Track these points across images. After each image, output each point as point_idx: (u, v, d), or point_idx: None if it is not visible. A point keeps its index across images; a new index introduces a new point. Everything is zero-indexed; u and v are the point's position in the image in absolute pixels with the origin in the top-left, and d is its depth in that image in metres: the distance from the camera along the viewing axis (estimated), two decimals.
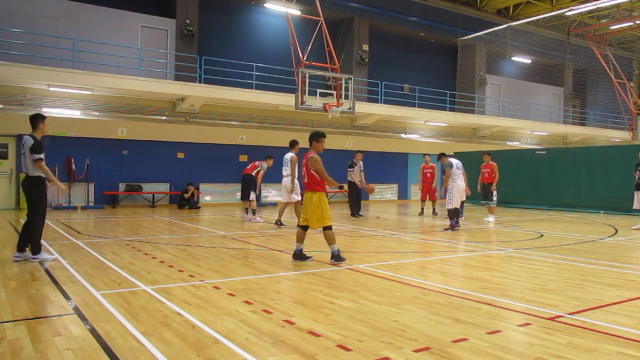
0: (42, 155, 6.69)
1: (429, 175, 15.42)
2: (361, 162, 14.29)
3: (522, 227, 12.10)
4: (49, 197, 16.10)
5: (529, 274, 6.29)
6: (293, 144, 11.03)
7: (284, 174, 11.45)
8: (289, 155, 11.04)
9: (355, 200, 14.38)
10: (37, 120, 6.92)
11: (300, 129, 20.51)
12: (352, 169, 14.29)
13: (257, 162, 12.94)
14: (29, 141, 6.71)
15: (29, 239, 6.82)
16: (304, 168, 6.99)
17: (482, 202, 13.80)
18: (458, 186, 11.34)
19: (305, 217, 6.96)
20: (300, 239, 7.00)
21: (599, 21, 27.75)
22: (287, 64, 16.93)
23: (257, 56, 20.33)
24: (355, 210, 14.27)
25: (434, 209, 15.53)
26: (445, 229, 11.08)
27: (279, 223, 11.65)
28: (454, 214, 11.18)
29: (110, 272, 6.11)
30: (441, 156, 12.38)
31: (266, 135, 19.33)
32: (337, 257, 6.79)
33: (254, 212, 12.82)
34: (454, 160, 11.61)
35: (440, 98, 24.49)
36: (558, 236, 10.27)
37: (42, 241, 7.14)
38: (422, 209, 15.40)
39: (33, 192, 6.78)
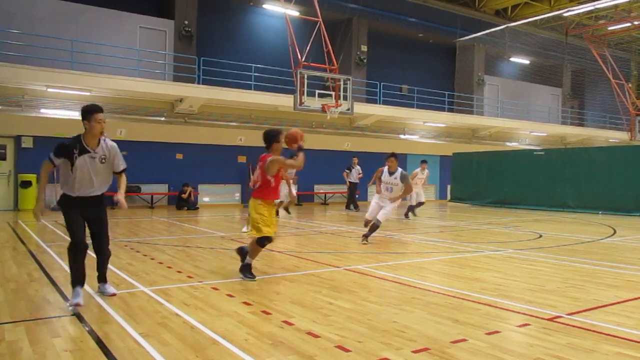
0: (51, 155, 4.83)
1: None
2: (358, 166, 17.49)
3: (521, 227, 12.11)
4: (48, 197, 15.91)
5: (528, 274, 6.29)
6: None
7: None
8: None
9: (350, 196, 17.79)
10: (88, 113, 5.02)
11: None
12: (348, 171, 17.68)
13: None
14: None
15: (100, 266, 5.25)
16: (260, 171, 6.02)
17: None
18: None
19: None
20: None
21: (597, 22, 27.79)
22: (286, 65, 16.92)
23: (255, 57, 20.33)
24: (349, 205, 17.65)
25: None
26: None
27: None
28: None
29: (108, 273, 6.09)
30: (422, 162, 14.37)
31: None
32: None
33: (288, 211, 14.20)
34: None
35: (439, 99, 24.50)
36: (557, 237, 10.28)
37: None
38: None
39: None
